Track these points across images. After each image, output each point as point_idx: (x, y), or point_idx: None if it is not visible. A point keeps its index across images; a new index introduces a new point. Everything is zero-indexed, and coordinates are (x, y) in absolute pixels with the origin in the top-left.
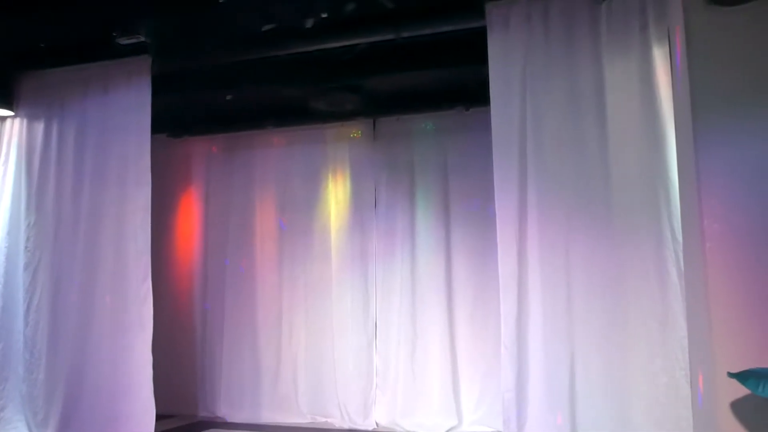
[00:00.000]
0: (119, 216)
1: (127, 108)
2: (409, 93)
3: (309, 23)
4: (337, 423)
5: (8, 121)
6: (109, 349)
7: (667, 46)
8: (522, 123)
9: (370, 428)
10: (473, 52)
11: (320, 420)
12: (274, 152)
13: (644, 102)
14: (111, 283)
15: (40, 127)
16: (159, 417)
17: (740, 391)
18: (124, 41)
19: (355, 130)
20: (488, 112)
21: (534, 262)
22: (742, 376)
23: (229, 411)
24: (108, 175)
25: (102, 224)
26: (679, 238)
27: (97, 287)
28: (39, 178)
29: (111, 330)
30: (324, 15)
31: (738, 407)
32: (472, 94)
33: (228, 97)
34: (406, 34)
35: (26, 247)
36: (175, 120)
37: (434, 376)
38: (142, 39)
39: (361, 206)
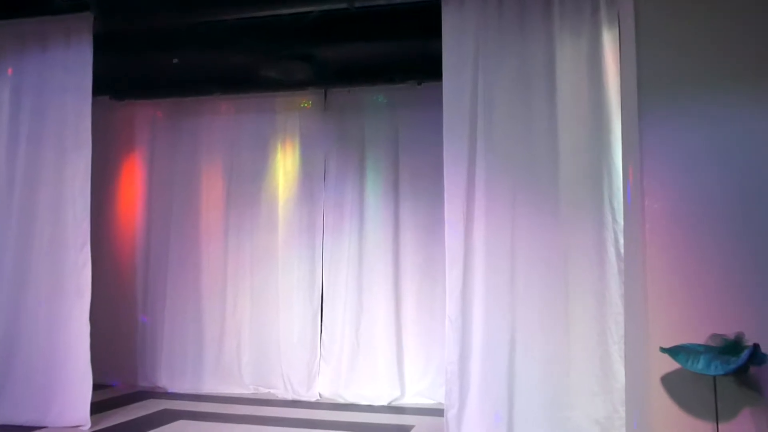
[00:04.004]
0: (57, 181)
1: (66, 68)
2: (361, 64)
3: None
4: (280, 394)
5: None
6: (45, 316)
7: (617, 29)
8: (473, 99)
9: (313, 399)
10: (427, 25)
11: (263, 391)
12: (222, 120)
13: (592, 83)
14: (48, 250)
15: None
16: (97, 387)
17: (671, 365)
18: None
19: (305, 100)
20: (440, 88)
21: (480, 237)
22: (673, 351)
23: (169, 381)
24: (45, 137)
25: (39, 189)
26: (619, 219)
27: (33, 254)
28: None
29: (47, 297)
30: None
31: (668, 380)
32: (425, 68)
33: (174, 61)
34: (359, 4)
35: None
36: (118, 82)
37: (379, 349)
38: None
39: (310, 177)
